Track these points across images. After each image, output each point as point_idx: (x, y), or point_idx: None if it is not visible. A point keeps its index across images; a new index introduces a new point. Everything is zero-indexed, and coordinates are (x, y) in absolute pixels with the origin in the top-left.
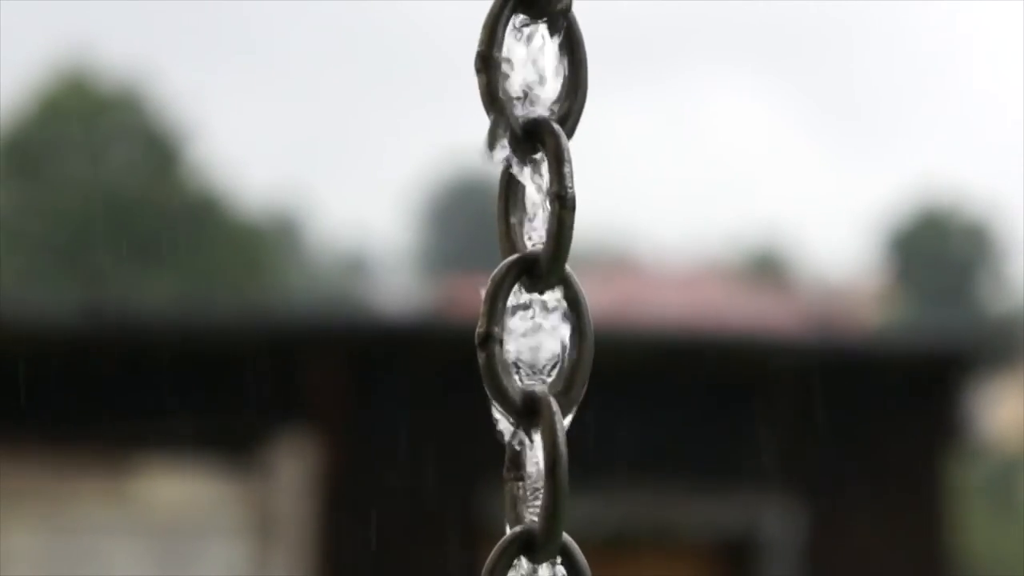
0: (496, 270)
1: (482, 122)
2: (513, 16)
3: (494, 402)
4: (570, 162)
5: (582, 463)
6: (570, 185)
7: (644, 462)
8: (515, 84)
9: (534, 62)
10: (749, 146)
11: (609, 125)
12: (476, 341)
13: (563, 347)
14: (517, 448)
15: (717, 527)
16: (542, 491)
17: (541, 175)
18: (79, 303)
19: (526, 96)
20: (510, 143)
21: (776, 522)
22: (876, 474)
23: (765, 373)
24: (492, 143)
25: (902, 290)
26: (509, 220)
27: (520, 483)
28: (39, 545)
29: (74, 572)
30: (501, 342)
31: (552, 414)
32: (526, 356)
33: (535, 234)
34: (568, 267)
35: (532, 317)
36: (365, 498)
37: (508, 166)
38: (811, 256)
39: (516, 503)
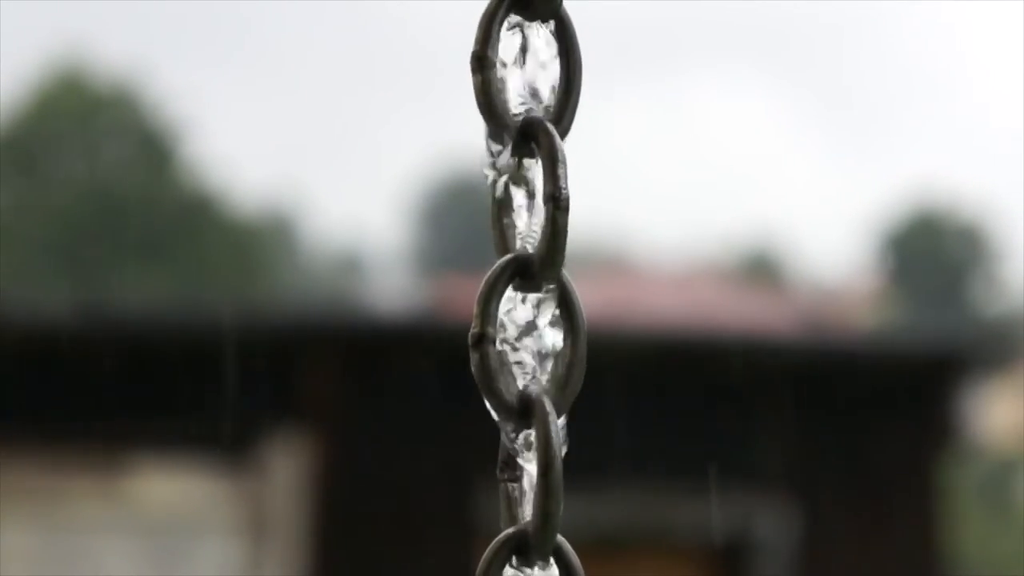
0: (490, 271)
1: (477, 122)
2: (508, 16)
3: (488, 402)
4: (564, 162)
5: (576, 464)
6: (564, 186)
7: (638, 463)
8: (510, 84)
9: (529, 62)
10: (744, 147)
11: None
12: (469, 341)
13: (557, 348)
14: (511, 449)
15: (711, 528)
16: (536, 492)
17: (535, 175)
18: (73, 301)
19: (521, 96)
20: (505, 143)
21: (770, 524)
22: (870, 476)
23: (759, 374)
24: (488, 143)
25: (896, 292)
26: (503, 220)
27: (514, 483)
28: (33, 544)
29: (68, 571)
30: (495, 342)
31: (546, 415)
32: (520, 357)
33: (529, 234)
34: (562, 268)
35: (526, 318)
36: (359, 498)
37: (502, 166)
38: (806, 257)
39: (510, 504)
